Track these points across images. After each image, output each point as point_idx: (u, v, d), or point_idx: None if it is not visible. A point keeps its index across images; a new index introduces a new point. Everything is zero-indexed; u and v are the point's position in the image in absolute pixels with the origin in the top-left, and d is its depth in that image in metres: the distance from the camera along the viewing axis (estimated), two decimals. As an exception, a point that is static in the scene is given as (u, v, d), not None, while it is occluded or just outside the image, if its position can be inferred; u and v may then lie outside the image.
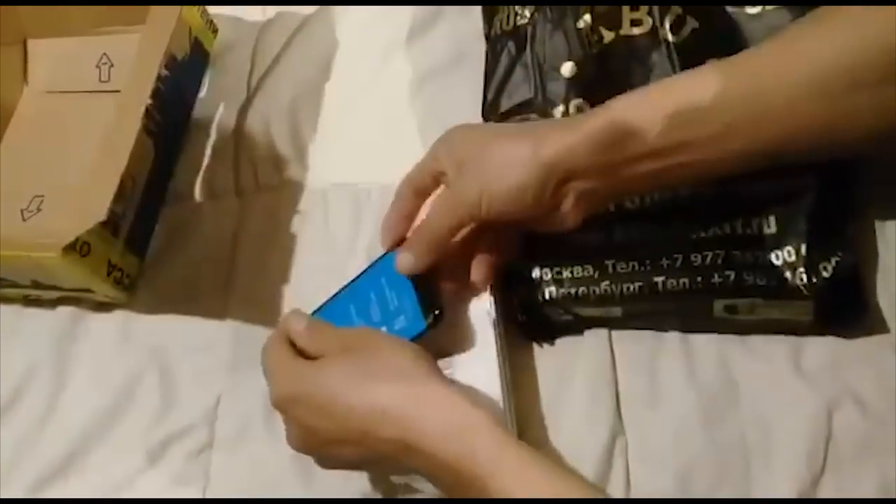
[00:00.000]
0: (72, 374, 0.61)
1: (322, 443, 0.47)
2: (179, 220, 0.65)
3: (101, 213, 0.51)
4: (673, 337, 0.55)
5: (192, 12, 0.68)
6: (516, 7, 0.59)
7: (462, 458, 0.42)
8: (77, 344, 0.62)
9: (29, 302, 0.63)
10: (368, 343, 0.47)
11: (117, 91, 0.69)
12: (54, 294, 0.62)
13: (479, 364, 0.52)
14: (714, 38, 0.55)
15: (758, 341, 0.54)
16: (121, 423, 0.58)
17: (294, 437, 0.48)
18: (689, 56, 0.54)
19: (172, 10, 0.62)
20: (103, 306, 0.62)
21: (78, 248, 0.56)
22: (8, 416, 0.60)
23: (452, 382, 0.46)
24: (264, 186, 0.65)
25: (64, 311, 0.63)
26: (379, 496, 0.53)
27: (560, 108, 0.55)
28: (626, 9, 0.56)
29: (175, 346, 0.60)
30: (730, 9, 0.55)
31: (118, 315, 0.62)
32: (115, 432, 0.58)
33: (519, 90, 0.56)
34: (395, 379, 0.45)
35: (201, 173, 0.67)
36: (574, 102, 0.55)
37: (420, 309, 0.49)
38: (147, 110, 0.59)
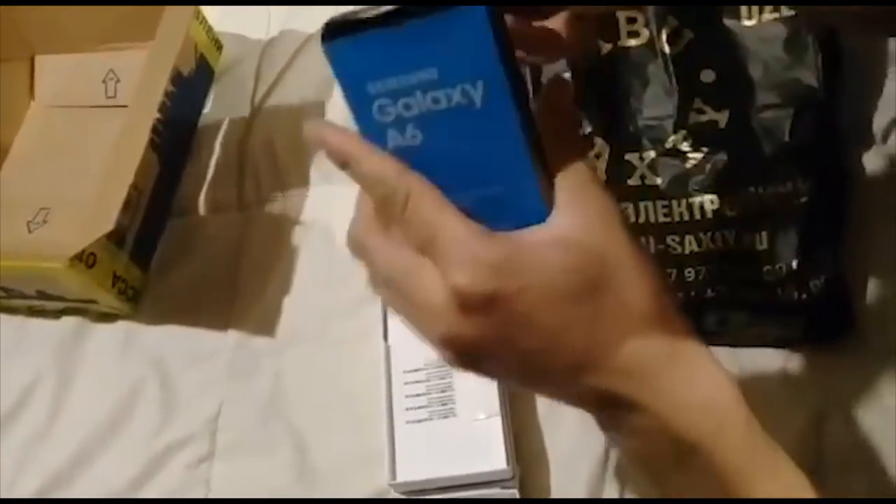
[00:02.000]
0: (75, 384, 0.61)
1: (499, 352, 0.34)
2: (183, 233, 0.66)
3: (109, 224, 0.52)
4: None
5: (197, 29, 0.70)
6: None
7: (709, 435, 0.34)
8: (80, 354, 0.63)
9: (33, 312, 0.65)
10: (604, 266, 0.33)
11: (124, 106, 0.71)
12: (59, 305, 0.63)
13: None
14: (710, 50, 0.57)
15: (749, 353, 0.55)
16: (122, 433, 0.59)
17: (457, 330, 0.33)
18: (686, 67, 0.56)
19: (180, 27, 0.63)
20: (107, 317, 0.63)
21: (84, 259, 0.57)
22: (11, 426, 0.61)
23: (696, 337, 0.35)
24: (267, 200, 0.67)
25: (68, 321, 0.64)
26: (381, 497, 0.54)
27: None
28: (623, 21, 0.57)
29: (177, 356, 0.61)
30: (726, 21, 0.57)
31: (121, 326, 0.63)
32: (117, 442, 0.59)
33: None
34: (644, 326, 0.34)
35: (205, 187, 0.68)
36: (571, 119, 0.56)
37: None
38: (153, 125, 0.60)
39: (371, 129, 0.33)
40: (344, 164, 0.33)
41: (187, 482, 0.57)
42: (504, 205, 0.33)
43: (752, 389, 0.53)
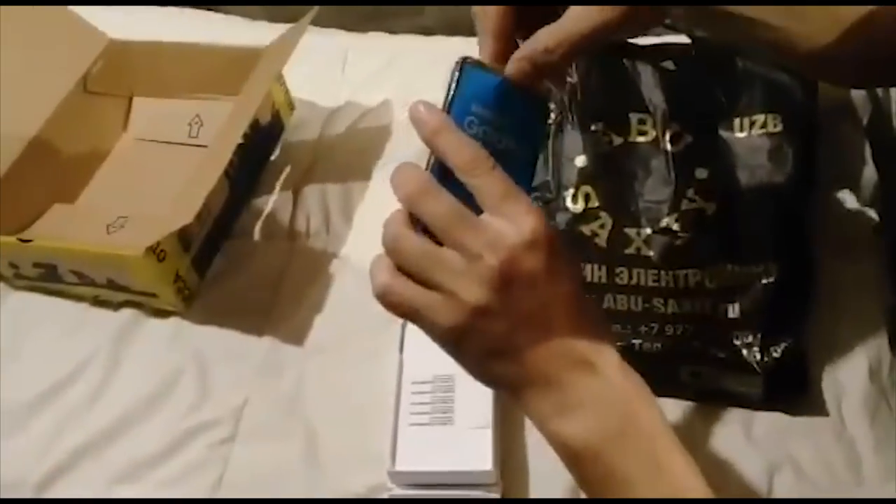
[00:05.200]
0: (124, 364, 0.70)
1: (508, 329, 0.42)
2: (237, 252, 0.76)
3: (189, 218, 0.62)
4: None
5: (277, 90, 0.82)
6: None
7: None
8: (132, 341, 0.71)
9: (97, 302, 0.74)
10: None
11: (204, 146, 0.83)
12: (121, 297, 0.72)
13: (478, 388, 0.60)
14: (705, 153, 0.67)
15: (714, 409, 0.63)
16: (159, 409, 0.67)
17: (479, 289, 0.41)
18: (683, 164, 0.66)
19: (264, 85, 0.76)
20: (161, 313, 0.72)
21: (157, 253, 0.67)
22: (63, 391, 0.68)
23: None
24: (313, 235, 0.77)
25: (126, 312, 0.73)
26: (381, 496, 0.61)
27: (571, 192, 0.67)
28: (634, 121, 0.68)
29: (216, 353, 0.70)
30: (721, 132, 0.68)
31: (172, 321, 0.72)
32: (152, 417, 0.67)
33: (538, 173, 0.68)
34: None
35: (262, 218, 0.78)
36: (583, 189, 0.67)
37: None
38: (230, 157, 0.71)
39: None
40: (434, 130, 0.42)
41: (209, 459, 0.64)
42: None
43: (714, 440, 0.61)
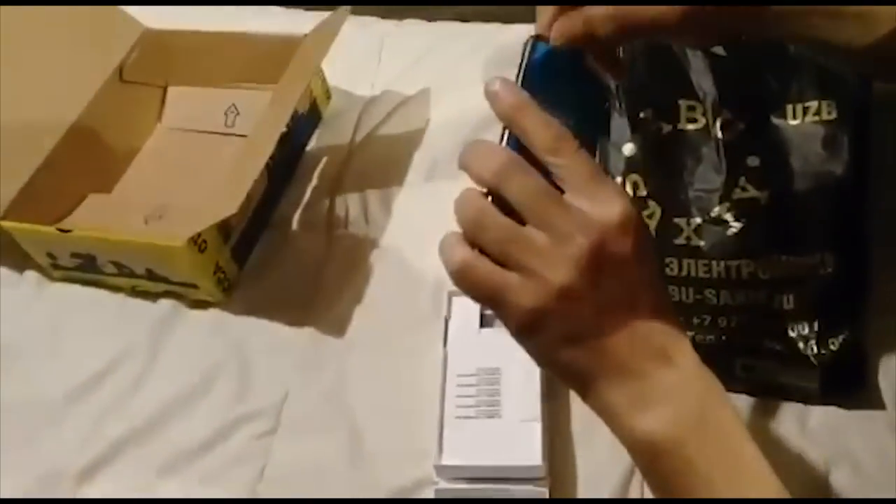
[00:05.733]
0: (163, 357, 0.69)
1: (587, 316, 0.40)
2: (277, 243, 0.75)
3: (233, 209, 0.61)
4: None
5: (315, 79, 0.81)
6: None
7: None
8: (172, 332, 0.71)
9: (135, 293, 0.73)
10: None
11: (240, 135, 0.82)
12: (161, 287, 0.71)
13: (525, 375, 0.60)
14: (757, 141, 0.65)
15: (769, 404, 0.61)
16: (200, 401, 0.66)
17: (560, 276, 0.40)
18: (735, 152, 0.65)
19: (305, 75, 0.75)
20: (200, 304, 0.72)
21: (198, 243, 0.66)
22: (102, 383, 0.68)
23: None
24: (352, 225, 0.76)
25: (165, 303, 0.72)
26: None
27: (619, 180, 0.65)
28: (684, 108, 0.67)
29: (257, 344, 0.69)
30: (774, 119, 0.66)
31: (212, 313, 0.71)
32: (194, 409, 0.66)
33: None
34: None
35: (300, 209, 0.77)
36: (631, 177, 0.65)
37: None
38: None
39: None
40: (514, 107, 0.41)
41: (250, 451, 0.64)
42: None
43: (769, 436, 0.59)
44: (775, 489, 0.40)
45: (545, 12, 0.45)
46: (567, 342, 0.41)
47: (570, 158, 0.40)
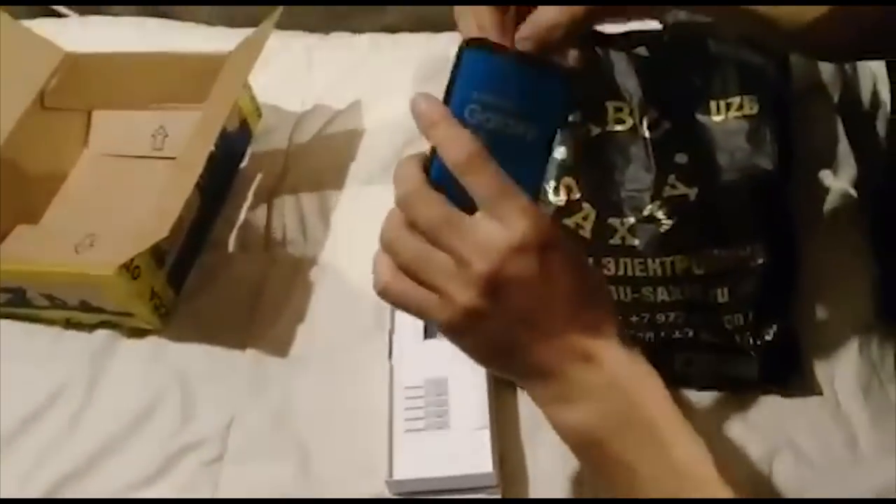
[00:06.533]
0: (102, 390, 0.67)
1: (526, 318, 0.42)
2: (213, 265, 0.74)
3: (164, 233, 0.60)
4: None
5: (243, 96, 0.80)
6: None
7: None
8: (110, 363, 0.69)
9: (70, 325, 0.71)
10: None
11: (169, 158, 0.80)
12: (96, 318, 0.70)
13: (472, 383, 0.60)
14: (684, 138, 0.67)
15: (710, 396, 0.62)
16: (141, 433, 0.65)
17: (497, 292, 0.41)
18: (663, 151, 0.66)
19: (232, 93, 0.74)
20: (137, 332, 0.70)
21: (130, 270, 0.64)
22: (38, 423, 0.66)
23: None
24: (290, 244, 0.75)
25: (101, 334, 0.70)
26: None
27: (552, 184, 0.66)
28: (611, 110, 0.68)
29: (198, 370, 0.68)
30: (698, 116, 0.68)
31: (150, 341, 0.70)
32: (135, 442, 0.64)
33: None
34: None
35: (236, 229, 0.76)
36: (564, 181, 0.66)
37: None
38: (199, 168, 0.69)
39: None
40: (431, 124, 0.41)
41: (198, 481, 0.62)
42: None
43: (712, 427, 0.61)
44: (705, 478, 0.41)
45: (483, 14, 0.45)
46: (488, 350, 0.44)
47: (477, 176, 0.41)
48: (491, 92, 0.42)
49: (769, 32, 0.52)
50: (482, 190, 0.41)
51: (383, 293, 0.44)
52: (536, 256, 0.41)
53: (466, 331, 0.43)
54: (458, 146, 0.41)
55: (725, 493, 0.41)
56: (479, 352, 0.44)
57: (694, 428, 0.45)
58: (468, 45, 0.43)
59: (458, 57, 0.42)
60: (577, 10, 0.44)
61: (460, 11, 0.46)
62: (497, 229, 0.41)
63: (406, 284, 0.43)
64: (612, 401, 0.43)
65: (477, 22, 0.45)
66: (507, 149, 0.42)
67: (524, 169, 0.43)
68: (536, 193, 0.44)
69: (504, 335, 0.42)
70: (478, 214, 0.41)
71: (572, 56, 0.45)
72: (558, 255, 0.42)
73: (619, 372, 0.43)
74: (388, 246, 0.43)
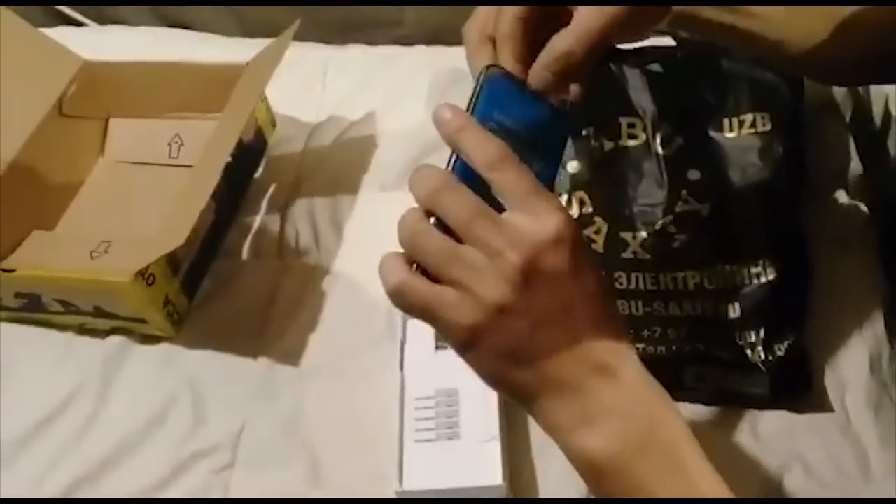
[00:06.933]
0: (114, 395, 0.68)
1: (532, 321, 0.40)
2: (227, 273, 0.75)
3: (180, 240, 0.60)
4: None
5: (259, 106, 0.81)
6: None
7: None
8: (122, 369, 0.69)
9: (83, 330, 0.72)
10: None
11: (185, 166, 0.81)
12: (109, 324, 0.70)
13: (483, 394, 0.60)
14: (697, 154, 0.67)
15: (721, 412, 0.62)
16: (153, 438, 0.65)
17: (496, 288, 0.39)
18: (675, 166, 0.66)
19: (249, 103, 0.74)
20: (150, 339, 0.70)
21: (146, 277, 0.65)
22: (50, 426, 0.66)
23: None
24: (303, 253, 0.76)
25: (114, 340, 0.71)
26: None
27: (564, 198, 0.66)
28: (624, 125, 0.68)
29: (210, 377, 0.68)
30: (711, 133, 0.68)
31: (162, 347, 0.70)
32: (147, 447, 0.65)
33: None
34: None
35: (250, 237, 0.77)
36: (577, 194, 0.66)
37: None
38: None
39: None
40: (459, 128, 0.41)
41: (209, 486, 0.63)
42: None
43: (722, 444, 0.61)
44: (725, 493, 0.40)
45: (507, 49, 0.45)
46: (505, 359, 0.41)
47: (508, 174, 0.41)
48: (510, 116, 0.43)
49: (776, 56, 0.52)
50: (513, 186, 0.41)
51: (398, 293, 0.41)
52: (569, 252, 0.40)
53: (487, 333, 0.40)
54: (489, 147, 0.41)
55: None
56: (494, 361, 0.41)
57: (703, 441, 0.45)
58: (492, 68, 0.44)
59: (484, 76, 0.44)
60: (593, 32, 0.44)
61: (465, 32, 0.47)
62: (532, 222, 0.40)
63: (423, 283, 0.40)
64: (634, 421, 0.41)
65: (502, 56, 0.45)
66: None
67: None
68: None
69: (527, 338, 0.40)
70: (508, 211, 0.41)
71: (574, 92, 0.46)
72: (588, 256, 0.41)
73: (639, 389, 0.42)
74: (408, 242, 0.41)
